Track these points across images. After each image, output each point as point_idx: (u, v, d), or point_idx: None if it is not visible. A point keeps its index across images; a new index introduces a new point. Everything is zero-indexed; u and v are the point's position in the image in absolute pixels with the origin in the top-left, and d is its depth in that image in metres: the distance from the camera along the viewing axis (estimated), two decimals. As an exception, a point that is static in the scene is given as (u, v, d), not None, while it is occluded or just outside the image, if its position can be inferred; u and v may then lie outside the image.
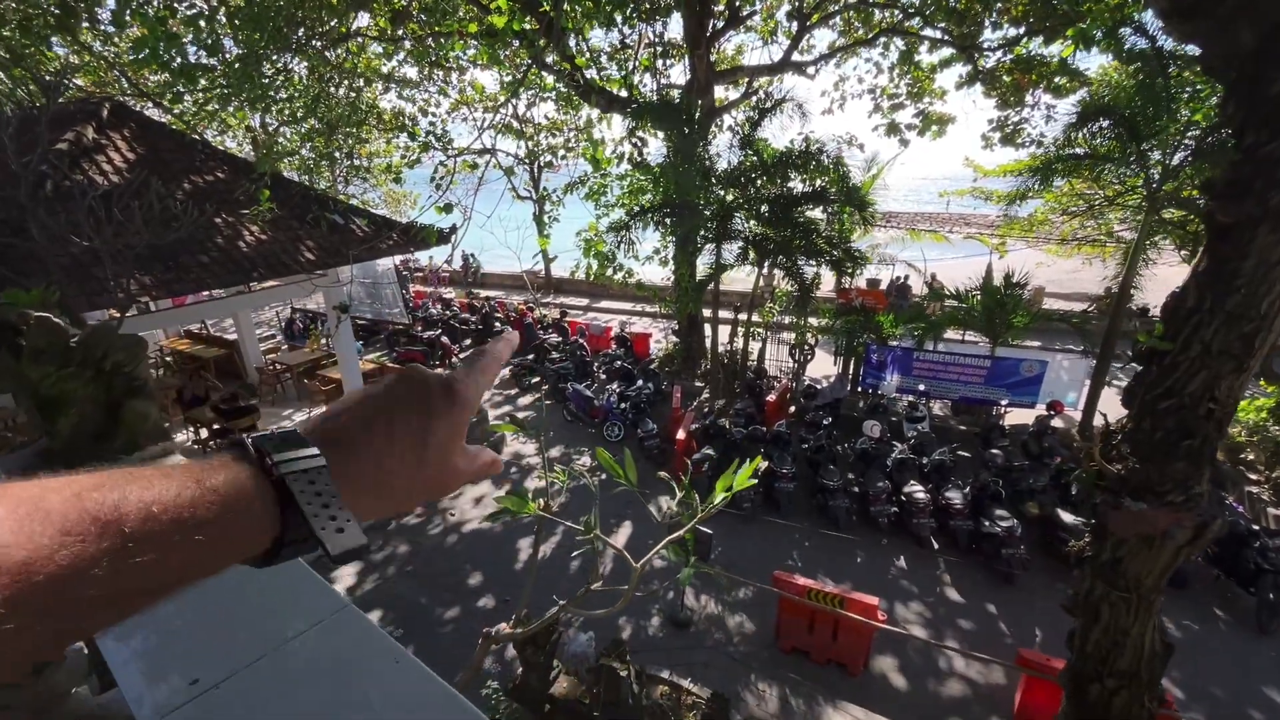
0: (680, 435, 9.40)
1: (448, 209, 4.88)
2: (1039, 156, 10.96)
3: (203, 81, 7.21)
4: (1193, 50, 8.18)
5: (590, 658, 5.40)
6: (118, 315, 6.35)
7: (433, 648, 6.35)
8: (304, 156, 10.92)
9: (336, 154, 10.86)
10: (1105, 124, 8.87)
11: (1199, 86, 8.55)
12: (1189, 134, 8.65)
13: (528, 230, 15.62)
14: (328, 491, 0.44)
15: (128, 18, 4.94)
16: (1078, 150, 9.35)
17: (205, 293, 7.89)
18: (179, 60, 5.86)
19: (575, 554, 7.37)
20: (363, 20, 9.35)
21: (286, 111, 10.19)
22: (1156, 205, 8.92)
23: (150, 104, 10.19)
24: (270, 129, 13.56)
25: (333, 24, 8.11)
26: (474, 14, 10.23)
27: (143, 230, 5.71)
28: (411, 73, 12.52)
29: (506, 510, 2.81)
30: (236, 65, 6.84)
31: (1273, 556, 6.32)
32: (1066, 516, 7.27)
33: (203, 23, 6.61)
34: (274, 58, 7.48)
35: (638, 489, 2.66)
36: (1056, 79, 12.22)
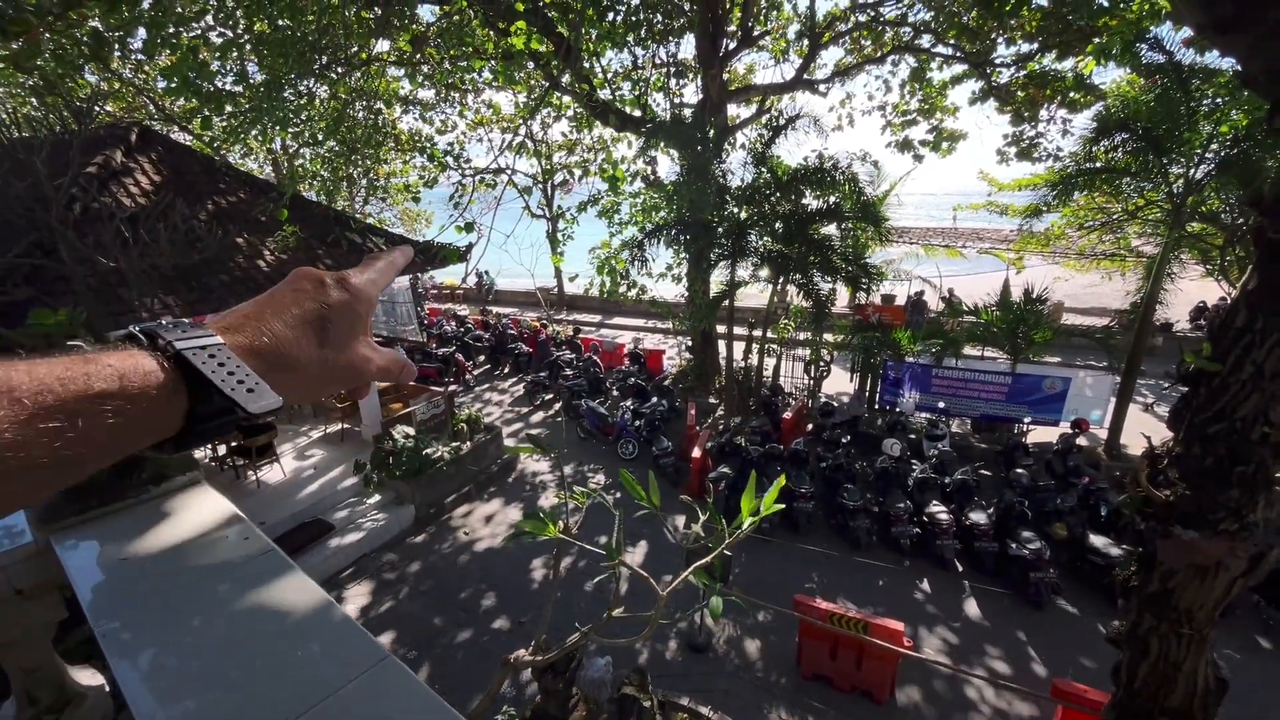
0: (696, 453, 9.30)
1: (469, 228, 4.91)
2: (1056, 171, 10.86)
3: (229, 107, 7.39)
4: (1214, 63, 8.12)
5: (608, 683, 5.28)
6: (141, 334, 6.44)
7: (447, 670, 6.25)
8: (324, 178, 11.12)
9: (355, 174, 11.06)
10: (1124, 138, 8.78)
11: (1220, 100, 8.45)
12: (1211, 147, 8.52)
13: (541, 248, 15.74)
14: (230, 362, 0.44)
15: (159, 45, 5.08)
16: (1096, 164, 9.26)
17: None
18: (208, 87, 6.00)
19: (594, 579, 7.26)
20: (383, 45, 9.57)
21: (307, 134, 10.42)
22: (1180, 219, 8.77)
23: (177, 128, 10.45)
24: (291, 151, 13.87)
25: (354, 50, 8.32)
26: (490, 37, 10.45)
27: (167, 251, 5.81)
28: (429, 95, 12.76)
29: (525, 532, 2.75)
30: (262, 90, 7.01)
31: (1317, 582, 6.06)
32: (1096, 539, 7.05)
33: (232, 50, 6.79)
34: (297, 82, 7.67)
35: (659, 511, 2.60)
36: (1072, 94, 12.18)
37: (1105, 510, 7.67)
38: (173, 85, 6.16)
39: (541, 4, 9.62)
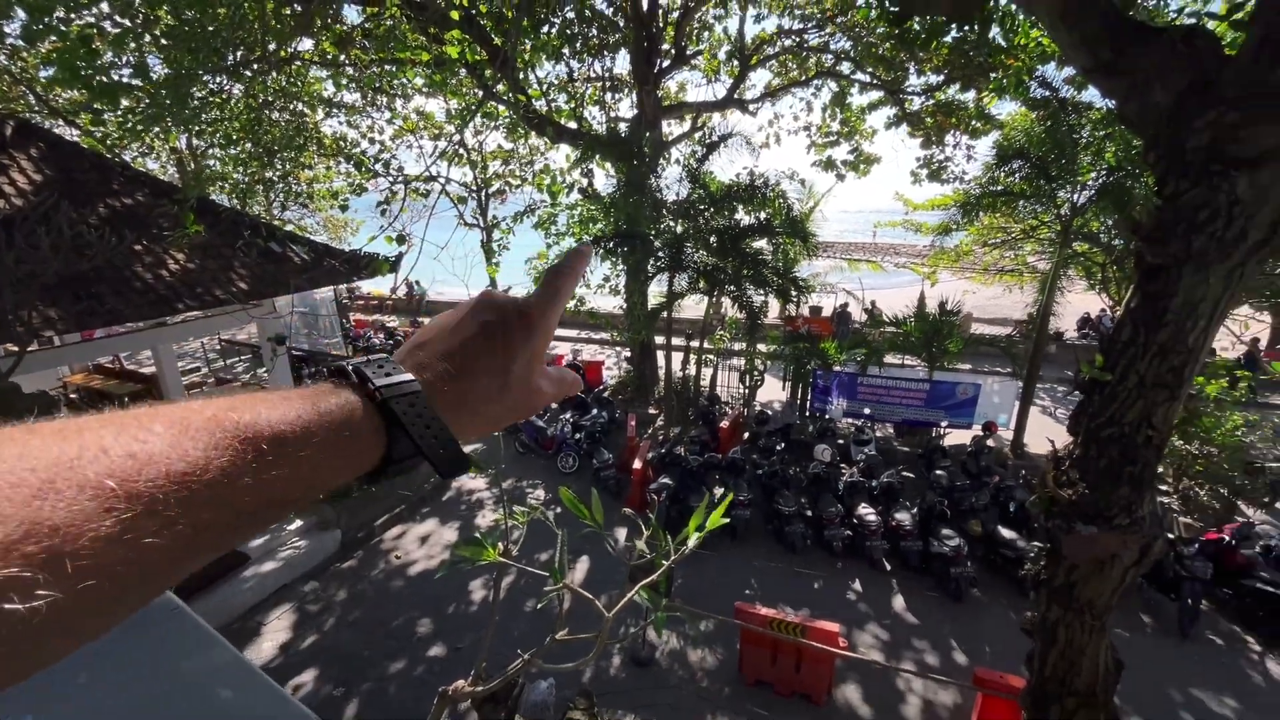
0: (637, 465, 9.30)
1: (400, 240, 4.70)
2: (962, 193, 11.80)
3: (125, 101, 6.74)
4: (1093, 101, 9.08)
5: (550, 706, 5.14)
6: (17, 350, 5.73)
7: (378, 706, 5.89)
8: (236, 181, 10.37)
9: (273, 178, 10.37)
10: (1020, 164, 9.68)
11: (1098, 133, 9.48)
12: (1091, 176, 9.54)
13: (476, 258, 15.36)
14: (427, 414, 0.48)
15: (42, 30, 4.56)
16: (997, 188, 10.14)
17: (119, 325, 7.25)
18: (100, 78, 5.45)
19: (535, 600, 7.08)
20: (305, 44, 9.07)
21: (219, 134, 9.68)
22: (1068, 239, 9.74)
23: (62, 122, 9.44)
24: (199, 151, 12.84)
25: (272, 47, 7.83)
26: (423, 43, 10.14)
27: (50, 258, 5.22)
28: (355, 98, 12.21)
29: (463, 559, 2.64)
30: (164, 85, 6.44)
31: (1189, 564, 6.82)
32: (1006, 533, 7.63)
33: (129, 40, 6.20)
34: (206, 79, 7.11)
35: (602, 529, 2.57)
36: (974, 122, 13.30)
37: (1013, 506, 8.31)
38: (57, 75, 5.54)
39: (475, 13, 9.46)
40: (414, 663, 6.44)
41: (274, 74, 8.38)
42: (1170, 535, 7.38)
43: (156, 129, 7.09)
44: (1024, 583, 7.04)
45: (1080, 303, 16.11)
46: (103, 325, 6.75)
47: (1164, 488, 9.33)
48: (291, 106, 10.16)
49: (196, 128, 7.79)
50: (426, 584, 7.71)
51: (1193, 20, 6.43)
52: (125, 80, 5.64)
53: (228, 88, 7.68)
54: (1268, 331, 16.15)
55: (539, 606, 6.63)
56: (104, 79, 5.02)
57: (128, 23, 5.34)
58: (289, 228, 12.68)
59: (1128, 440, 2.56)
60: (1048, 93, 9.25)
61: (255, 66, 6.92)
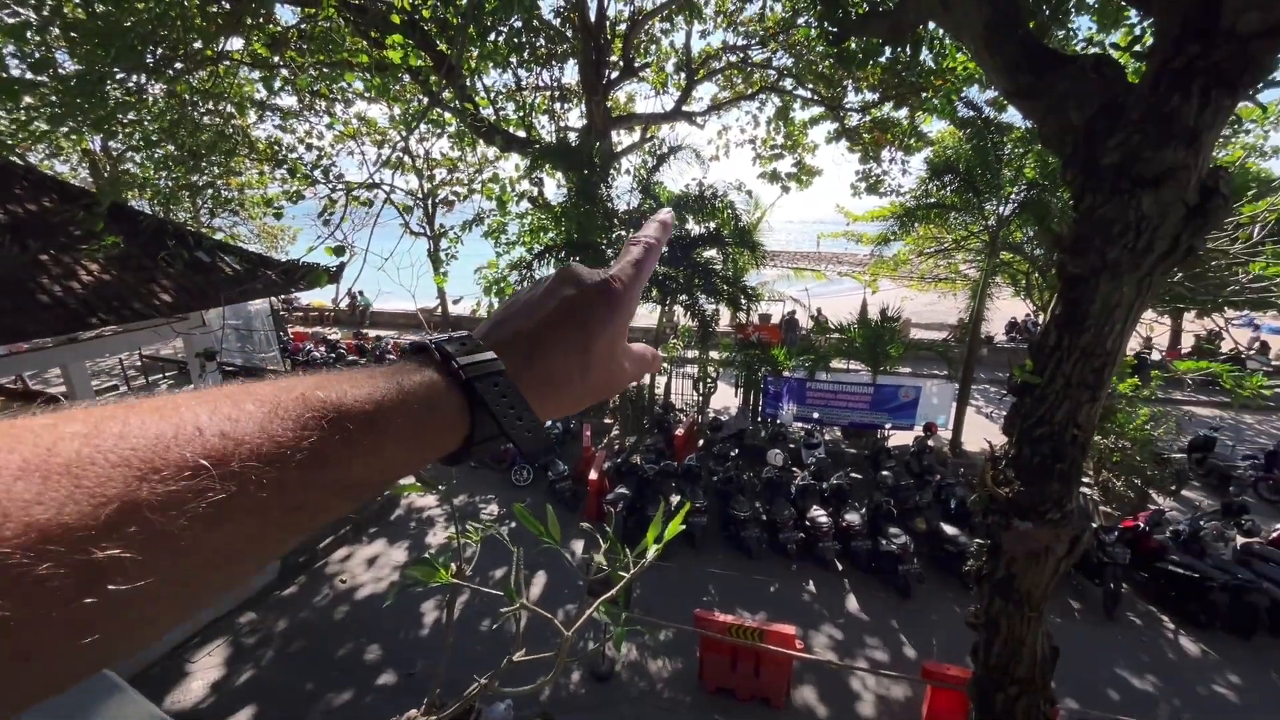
0: (593, 475, 9.22)
1: (340, 251, 4.50)
2: (899, 205, 12.40)
3: (27, 99, 6.20)
4: (1013, 121, 9.73)
5: (509, 729, 4.99)
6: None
7: (322, 742, 5.56)
8: (159, 186, 9.70)
9: (200, 184, 9.77)
10: (950, 178, 10.26)
11: (1019, 151, 10.17)
12: (1014, 190, 10.22)
13: (423, 268, 14.93)
14: (512, 393, 0.47)
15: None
16: (931, 200, 10.71)
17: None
18: (-3, 74, 5.00)
19: (490, 619, 6.88)
20: (235, 44, 8.61)
21: (137, 135, 9.04)
22: (995, 248, 10.37)
23: (-48, 120, 8.58)
24: (115, 154, 11.98)
25: (197, 45, 7.39)
26: (363, 47, 9.82)
27: (-62, 271, 4.73)
28: (291, 101, 11.69)
29: (414, 581, 2.53)
30: (74, 82, 5.96)
31: (1110, 551, 7.32)
32: (949, 529, 7.99)
33: (29, 32, 5.71)
34: (120, 77, 6.64)
35: (559, 545, 2.52)
36: (908, 139, 14.02)
37: (954, 503, 8.72)
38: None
39: (418, 18, 9.25)
40: (363, 692, 6.12)
41: (199, 73, 7.92)
42: (1094, 525, 7.91)
43: (64, 128, 6.56)
44: (967, 577, 7.39)
45: (1008, 308, 17.18)
46: (6, 342, 6.16)
47: (1086, 480, 10.01)
48: (219, 108, 9.62)
49: (110, 129, 7.25)
50: (375, 609, 7.36)
51: (1097, 50, 7.01)
52: (25, 77, 5.19)
53: (148, 86, 7.19)
54: (1168, 334, 17.66)
55: (495, 626, 6.44)
56: (2, 73, 4.61)
57: (28, 14, 4.93)
58: (219, 236, 11.98)
59: (1057, 439, 2.72)
60: (973, 112, 9.87)
61: (179, 65, 6.51)
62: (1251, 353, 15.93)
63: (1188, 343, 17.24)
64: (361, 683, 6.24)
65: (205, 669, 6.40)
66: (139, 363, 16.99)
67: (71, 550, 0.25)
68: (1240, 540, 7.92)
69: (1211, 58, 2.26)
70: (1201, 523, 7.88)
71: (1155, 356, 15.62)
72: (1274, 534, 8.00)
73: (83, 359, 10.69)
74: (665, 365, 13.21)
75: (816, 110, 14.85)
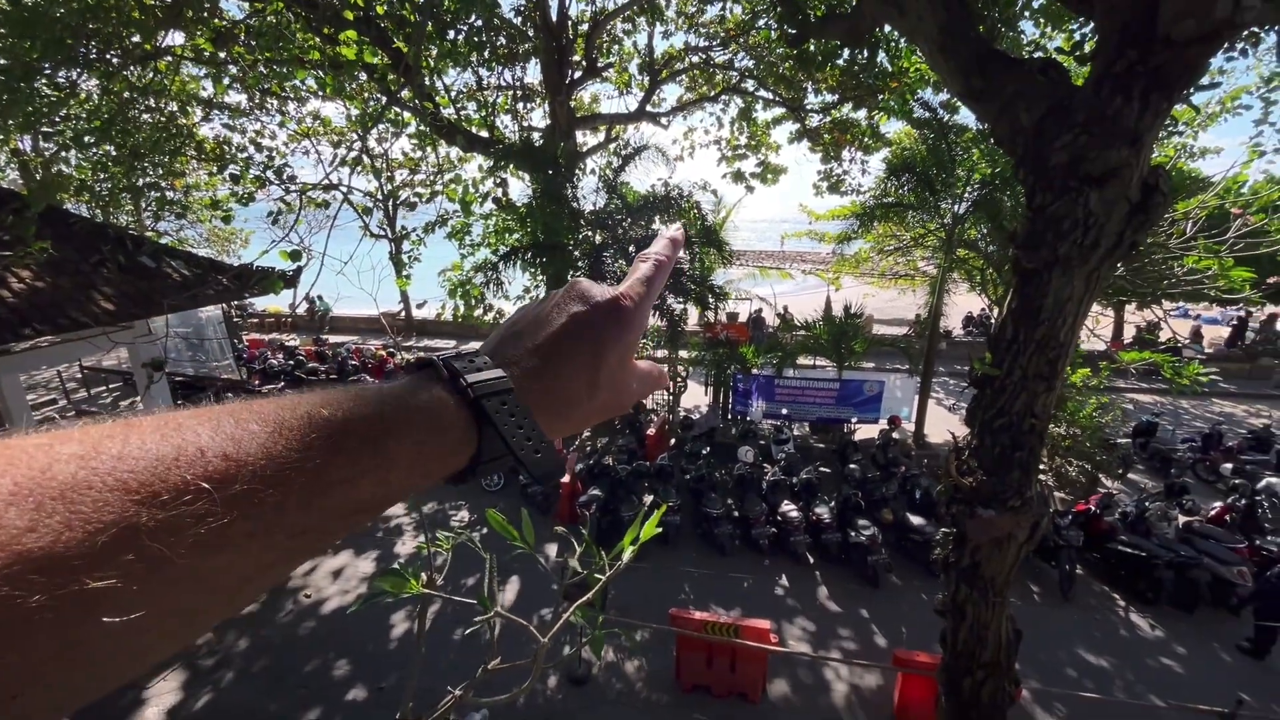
0: (565, 477, 9.14)
1: (295, 255, 4.33)
2: (859, 204, 12.70)
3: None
4: (967, 123, 10.06)
5: (484, 740, 4.90)
6: None
7: (288, 765, 5.36)
8: (95, 189, 9.19)
9: (141, 185, 9.28)
10: (907, 177, 10.56)
11: (972, 151, 10.54)
12: (968, 189, 10.59)
13: (384, 271, 14.56)
14: (520, 412, 0.45)
15: None
16: (889, 199, 11.00)
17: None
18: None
19: (462, 627, 6.74)
20: (177, 38, 8.22)
21: (70, 134, 8.53)
22: (952, 245, 10.72)
23: None
24: (48, 154, 11.28)
25: (135, 40, 7.02)
26: (315, 43, 9.51)
27: None
28: (240, 99, 11.23)
29: (382, 591, 2.45)
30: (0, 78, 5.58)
31: (1064, 534, 7.65)
32: (915, 519, 8.21)
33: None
34: (49, 72, 6.25)
35: (534, 550, 2.48)
36: (866, 139, 14.37)
37: (919, 494, 8.96)
38: None
39: (374, 14, 9.00)
40: (331, 710, 5.92)
41: (137, 69, 7.53)
42: (1051, 510, 8.25)
43: (-10, 128, 6.16)
44: (933, 566, 7.60)
45: (965, 303, 17.77)
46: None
47: (1041, 466, 10.42)
48: (161, 105, 9.16)
49: (41, 127, 6.83)
50: (341, 622, 7.13)
51: (1041, 55, 7.32)
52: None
53: (81, 82, 6.80)
54: (1111, 325, 18.57)
55: (468, 633, 6.32)
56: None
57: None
58: (165, 241, 11.42)
59: (1015, 429, 2.82)
60: (928, 113, 10.17)
61: (114, 61, 6.18)
62: (1188, 342, 16.91)
63: (1129, 334, 18.17)
64: (329, 700, 6.04)
65: (160, 695, 6.09)
66: (79, 375, 16.06)
67: (63, 581, 0.24)
68: (1182, 519, 8.38)
69: (1150, 62, 2.37)
70: (1146, 504, 8.31)
71: (1100, 347, 16.42)
72: (1212, 512, 8.49)
73: (15, 372, 10.04)
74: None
75: (778, 111, 15.08)
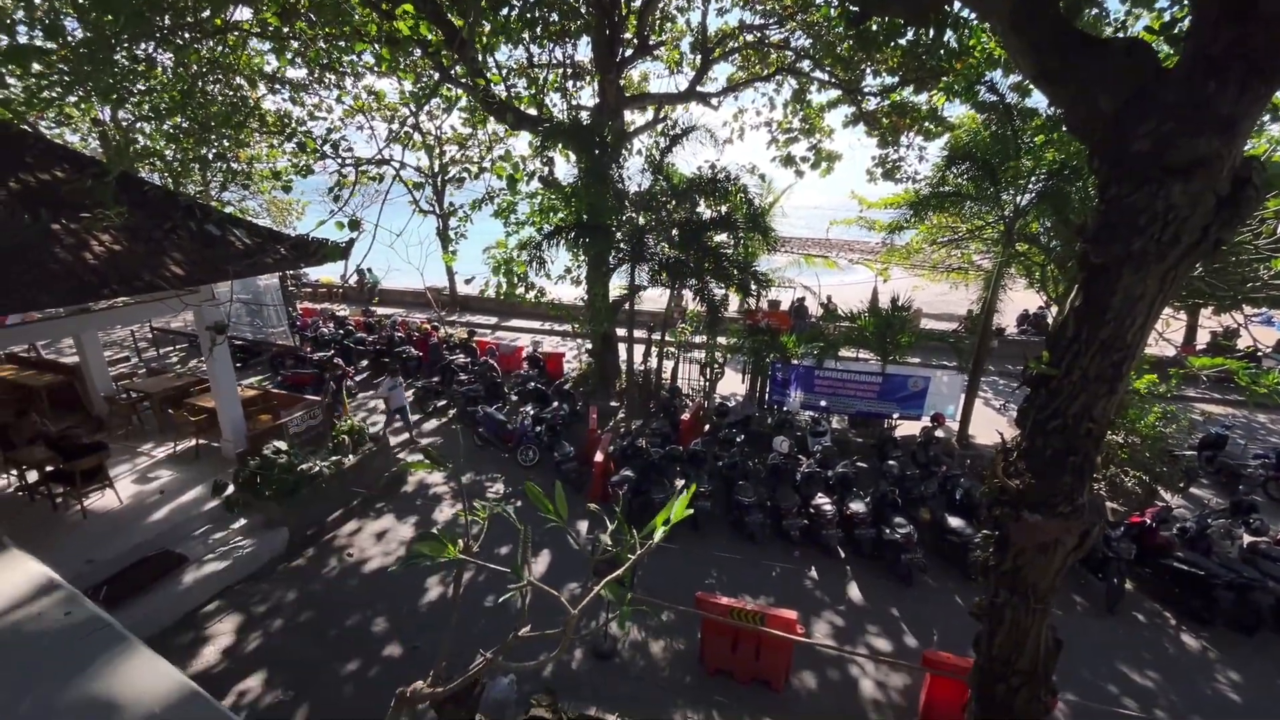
0: (598, 457, 9.26)
1: (354, 225, 4.47)
2: (913, 192, 12.18)
3: (36, 65, 6.16)
4: (1036, 107, 9.47)
5: (512, 703, 5.08)
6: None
7: (332, 708, 5.68)
8: (169, 158, 9.69)
9: (210, 156, 9.74)
10: (967, 166, 10.04)
11: (1039, 139, 9.93)
12: (1033, 179, 10.00)
13: (431, 246, 14.90)
14: None
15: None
16: (946, 188, 10.50)
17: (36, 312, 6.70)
18: (5, 40, 4.97)
19: (495, 595, 6.97)
20: (244, 14, 8.51)
21: (146, 106, 8.99)
22: (1011, 239, 10.19)
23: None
24: (125, 124, 11.94)
25: (206, 14, 7.30)
26: (373, 18, 9.69)
27: (-48, 238, 4.75)
28: (300, 74, 11.59)
29: (421, 555, 2.54)
30: (83, 50, 5.91)
31: (1115, 546, 7.30)
32: (953, 521, 7.97)
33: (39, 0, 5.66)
34: (129, 45, 6.58)
35: (565, 524, 2.51)
36: (927, 124, 13.73)
37: (959, 494, 8.69)
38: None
39: (431, -11, 9.10)
40: (369, 664, 6.24)
41: (208, 43, 7.84)
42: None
43: (73, 97, 6.53)
44: (969, 568, 7.38)
45: (1020, 300, 16.94)
46: (18, 311, 6.21)
47: (1094, 474, 9.93)
48: (229, 80, 9.54)
49: (119, 98, 7.21)
50: (382, 582, 7.48)
51: (1127, 35, 6.80)
52: (35, 44, 5.15)
53: (156, 56, 7.13)
54: (1183, 330, 17.38)
55: (500, 602, 6.52)
56: (7, 38, 4.57)
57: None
58: (229, 210, 11.96)
59: (1070, 432, 2.69)
60: (995, 97, 9.62)
61: (186, 35, 6.44)
62: (1269, 351, 15.68)
63: (1202, 339, 16.99)
64: (369, 653, 6.36)
65: (217, 635, 6.54)
66: (150, 335, 17.13)
67: None
68: (1247, 539, 7.86)
69: (1250, 44, 2.17)
70: (1209, 520, 7.83)
71: (1170, 353, 15.41)
72: (1282, 533, 7.94)
73: (94, 329, 10.79)
74: (672, 350, 13.17)
75: (834, 93, 14.56)
